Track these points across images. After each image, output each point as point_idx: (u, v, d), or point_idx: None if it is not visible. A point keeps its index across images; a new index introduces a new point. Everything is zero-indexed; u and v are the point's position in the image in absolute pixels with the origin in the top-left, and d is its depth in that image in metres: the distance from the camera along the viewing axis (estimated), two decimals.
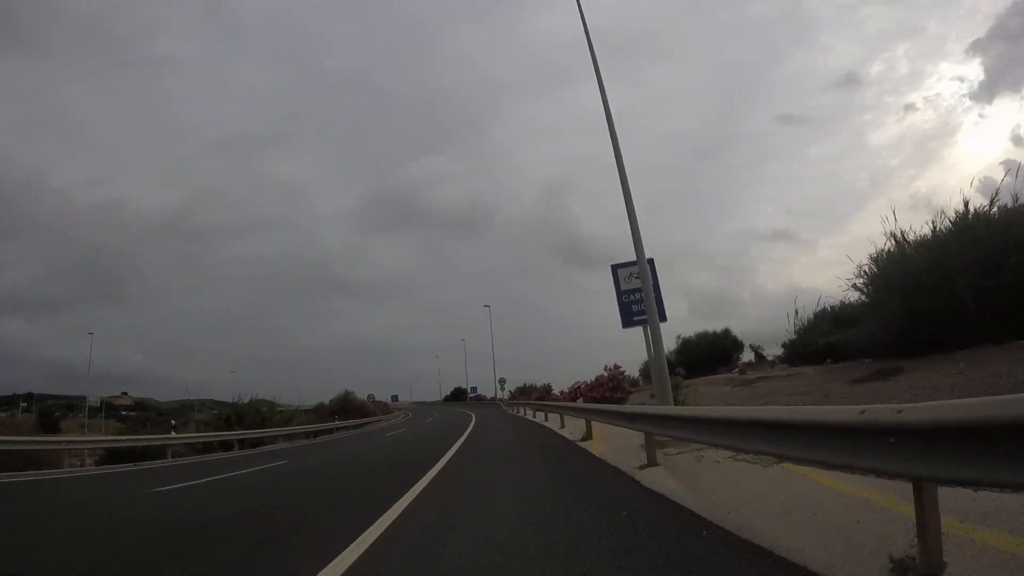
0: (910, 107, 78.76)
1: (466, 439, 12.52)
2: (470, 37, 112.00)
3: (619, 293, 8.93)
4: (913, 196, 77.14)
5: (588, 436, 9.93)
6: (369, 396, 39.00)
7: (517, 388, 43.76)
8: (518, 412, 28.17)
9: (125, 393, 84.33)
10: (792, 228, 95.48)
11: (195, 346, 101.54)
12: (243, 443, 19.37)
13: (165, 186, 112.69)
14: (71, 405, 64.44)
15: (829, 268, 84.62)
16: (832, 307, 16.10)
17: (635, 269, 8.25)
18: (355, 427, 27.87)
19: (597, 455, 7.49)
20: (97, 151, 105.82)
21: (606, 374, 17.67)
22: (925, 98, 77.07)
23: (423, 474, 6.60)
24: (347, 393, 34.71)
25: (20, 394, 68.42)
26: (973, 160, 63.48)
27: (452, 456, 8.84)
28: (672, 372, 27.83)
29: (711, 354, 25.23)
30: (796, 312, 17.64)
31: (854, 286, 12.22)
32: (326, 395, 38.58)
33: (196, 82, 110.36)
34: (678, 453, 6.37)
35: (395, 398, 63.01)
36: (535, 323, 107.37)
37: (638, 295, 8.41)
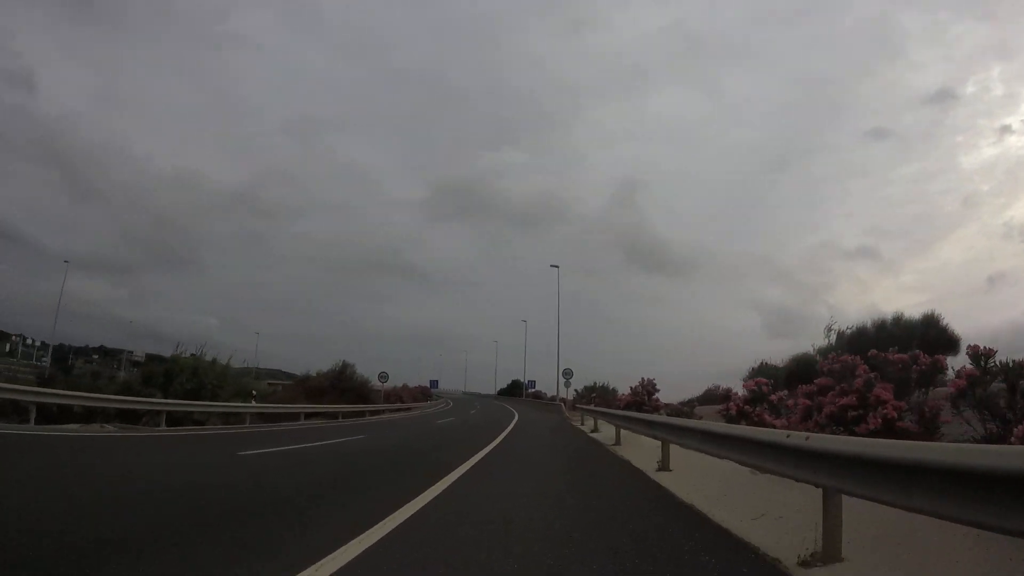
0: (1006, 129, 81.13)
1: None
2: (544, 35, 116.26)
3: None
4: (1007, 224, 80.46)
5: None
6: (381, 375, 32.90)
7: (585, 387, 36.84)
8: (595, 429, 17.69)
9: (193, 354, 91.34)
10: (875, 248, 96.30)
11: (255, 318, 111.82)
12: (167, 417, 14.65)
13: (237, 161, 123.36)
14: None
15: (911, 294, 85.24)
16: None
17: None
18: (327, 416, 21.64)
19: None
20: (172, 123, 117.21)
21: None
22: (1022, 121, 78.73)
23: None
24: (345, 366, 28.81)
25: (93, 347, 78.95)
26: None
27: None
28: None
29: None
30: None
31: None
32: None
33: (271, 63, 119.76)
34: None
35: (434, 384, 57.42)
36: (602, 326, 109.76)
37: None
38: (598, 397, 30.64)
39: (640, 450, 10.48)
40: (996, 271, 78.57)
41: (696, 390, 30.12)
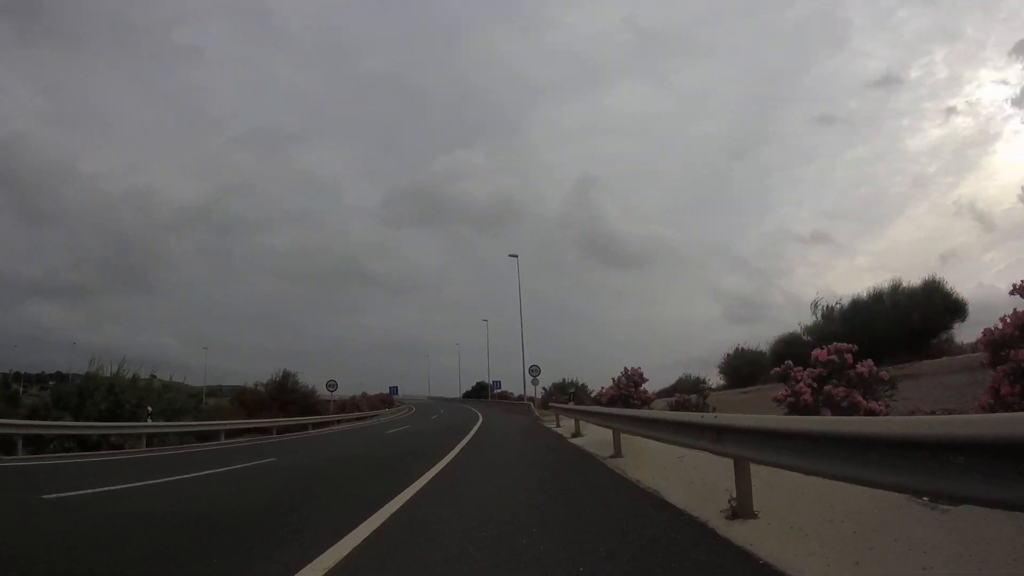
0: (951, 110, 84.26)
1: None
2: (500, 36, 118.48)
3: None
4: (956, 202, 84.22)
5: None
6: (329, 384, 30.00)
7: (553, 384, 35.52)
8: (577, 433, 13.54)
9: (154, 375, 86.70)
10: (829, 231, 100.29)
11: (220, 335, 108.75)
12: (73, 440, 12.70)
13: (194, 177, 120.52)
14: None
15: (866, 275, 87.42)
16: None
17: None
18: (260, 431, 19.42)
19: None
20: (126, 141, 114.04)
21: None
22: (967, 102, 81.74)
23: None
24: (286, 376, 26.30)
25: (49, 373, 73.81)
26: (1013, 168, 69.16)
27: None
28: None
29: (907, 329, 15.64)
30: None
31: None
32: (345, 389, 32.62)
33: (225, 74, 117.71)
34: None
35: (394, 390, 56.11)
36: (567, 324, 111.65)
37: None
38: (578, 394, 28.28)
39: (656, 467, 6.96)
40: (948, 249, 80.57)
41: (666, 381, 29.59)
